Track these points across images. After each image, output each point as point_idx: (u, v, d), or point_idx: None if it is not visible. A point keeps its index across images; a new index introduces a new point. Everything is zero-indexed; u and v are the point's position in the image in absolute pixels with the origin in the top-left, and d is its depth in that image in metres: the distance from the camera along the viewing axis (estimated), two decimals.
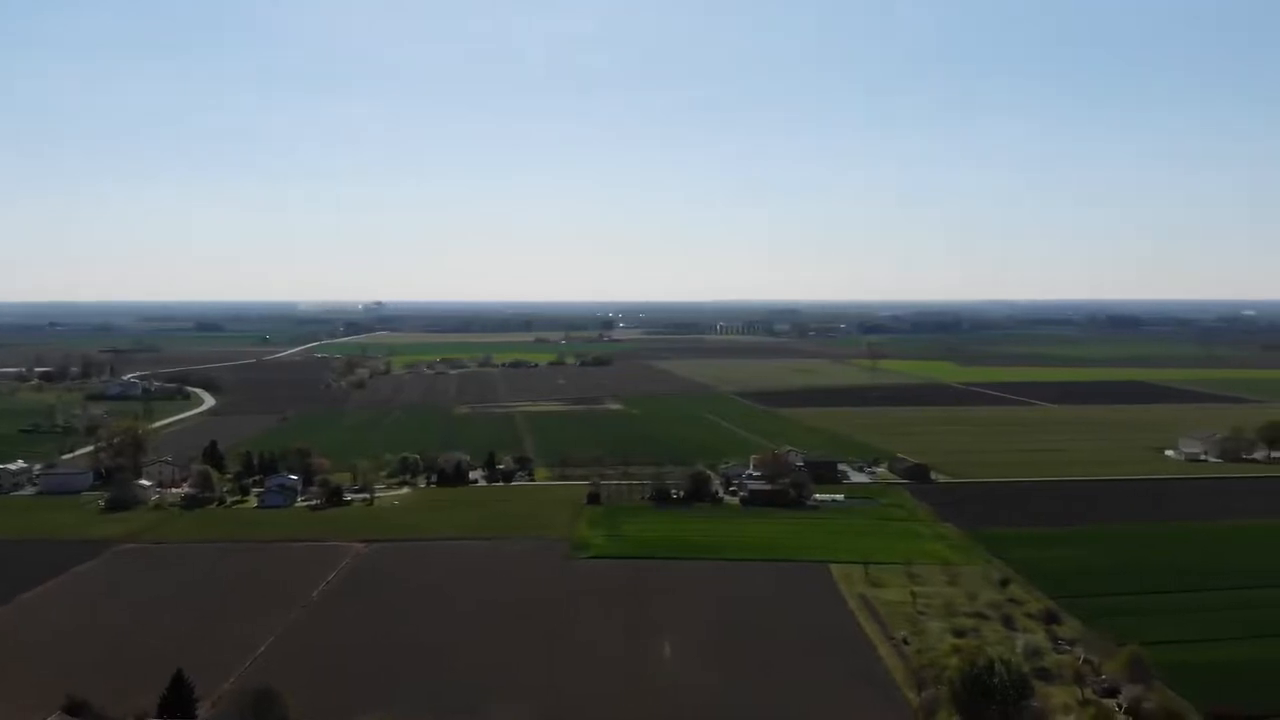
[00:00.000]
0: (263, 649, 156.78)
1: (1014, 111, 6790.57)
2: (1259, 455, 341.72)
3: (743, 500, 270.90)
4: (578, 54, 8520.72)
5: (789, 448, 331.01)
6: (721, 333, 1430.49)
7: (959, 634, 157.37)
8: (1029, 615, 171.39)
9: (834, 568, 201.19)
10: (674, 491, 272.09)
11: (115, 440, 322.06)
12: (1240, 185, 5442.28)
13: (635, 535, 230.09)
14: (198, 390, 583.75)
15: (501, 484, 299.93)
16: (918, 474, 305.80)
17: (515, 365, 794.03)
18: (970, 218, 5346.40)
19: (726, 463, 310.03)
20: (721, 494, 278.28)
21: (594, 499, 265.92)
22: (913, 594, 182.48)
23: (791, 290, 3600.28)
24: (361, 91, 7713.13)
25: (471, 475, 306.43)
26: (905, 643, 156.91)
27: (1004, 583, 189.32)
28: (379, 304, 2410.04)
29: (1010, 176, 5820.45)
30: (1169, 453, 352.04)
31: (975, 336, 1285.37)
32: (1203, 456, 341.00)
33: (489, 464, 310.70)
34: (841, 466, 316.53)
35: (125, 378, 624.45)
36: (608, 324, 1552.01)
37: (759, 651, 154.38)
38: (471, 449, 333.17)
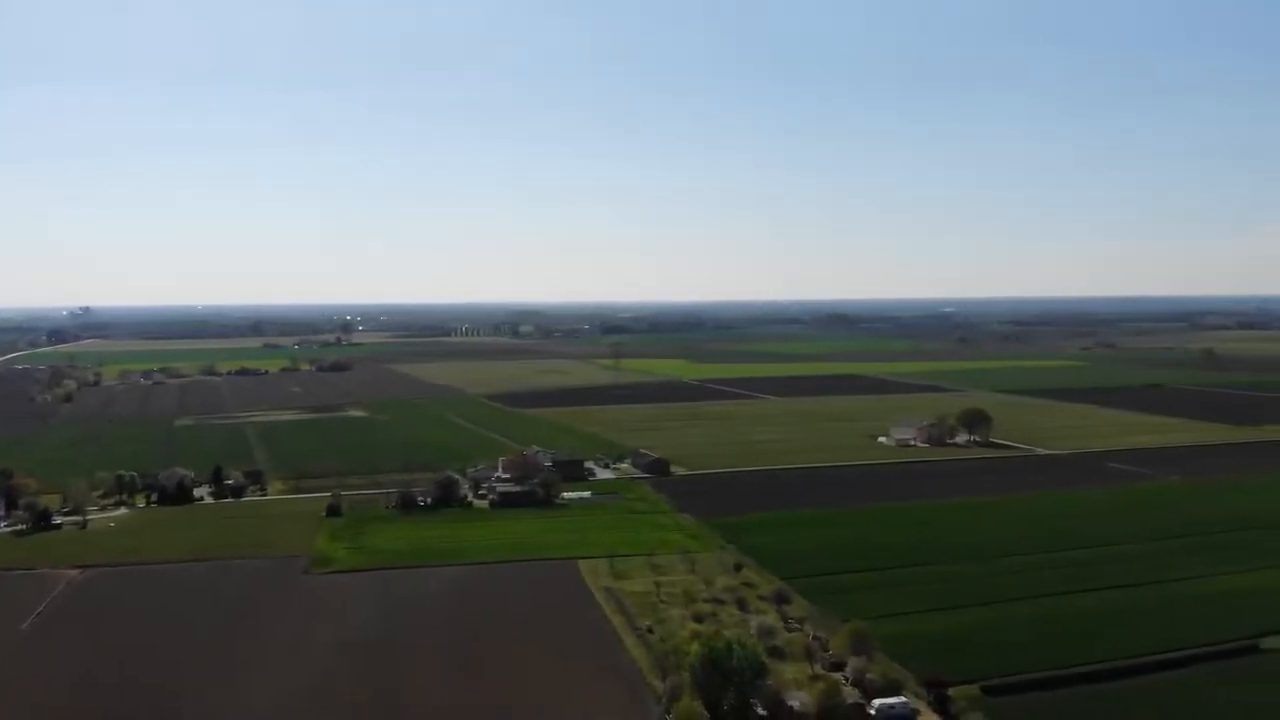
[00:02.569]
0: None
1: (739, 124, 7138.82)
2: (960, 439, 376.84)
3: (492, 503, 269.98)
4: (306, 43, 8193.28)
5: (537, 448, 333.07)
6: (466, 334, 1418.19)
7: (699, 619, 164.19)
8: (762, 597, 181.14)
9: (582, 563, 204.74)
10: (421, 498, 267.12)
11: None
12: (938, 193, 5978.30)
13: (380, 546, 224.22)
14: None
15: (231, 500, 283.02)
16: (658, 468, 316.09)
17: (243, 373, 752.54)
18: (706, 222, 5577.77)
19: (475, 466, 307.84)
20: (471, 498, 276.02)
21: (334, 511, 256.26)
22: (656, 584, 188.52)
23: (535, 291, 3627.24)
24: (48, 77, 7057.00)
25: (196, 492, 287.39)
26: (649, 632, 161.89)
27: (738, 567, 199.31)
28: (86, 309, 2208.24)
29: (745, 185, 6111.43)
30: (882, 439, 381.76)
31: (711, 335, 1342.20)
32: (912, 442, 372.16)
33: (216, 479, 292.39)
34: (589, 464, 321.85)
35: None
36: (346, 327, 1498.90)
37: (508, 651, 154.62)
38: (196, 464, 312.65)
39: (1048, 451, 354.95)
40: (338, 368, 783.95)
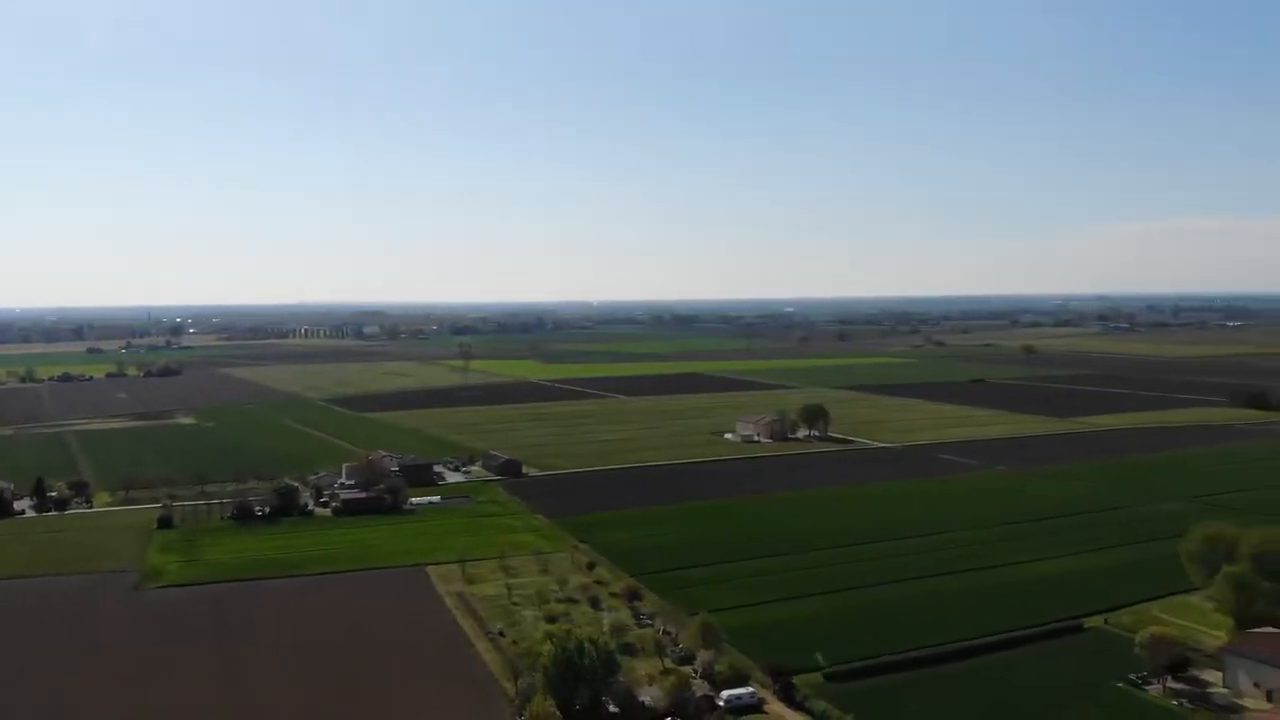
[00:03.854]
0: None
1: (577, 124, 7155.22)
2: (801, 434, 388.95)
3: (336, 511, 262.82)
4: (119, 36, 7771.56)
5: (383, 452, 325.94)
6: (306, 337, 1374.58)
7: (551, 620, 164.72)
8: (614, 594, 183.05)
9: (431, 569, 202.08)
10: (259, 508, 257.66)
11: None
12: (763, 199, 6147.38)
13: (216, 559, 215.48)
14: None
15: (54, 514, 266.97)
16: (510, 469, 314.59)
17: (64, 379, 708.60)
18: (547, 222, 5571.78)
19: (316, 473, 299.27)
20: (312, 506, 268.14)
21: (166, 523, 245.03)
22: (508, 586, 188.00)
23: (380, 293, 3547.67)
24: None
25: (17, 505, 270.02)
26: (501, 635, 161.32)
27: (591, 566, 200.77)
28: None
29: (584, 186, 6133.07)
30: (727, 436, 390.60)
31: (557, 336, 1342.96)
32: (756, 438, 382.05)
33: (38, 491, 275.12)
34: (437, 468, 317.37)
35: None
36: (176, 330, 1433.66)
37: (356, 664, 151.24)
38: (16, 476, 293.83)
39: (883, 444, 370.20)
40: (167, 373, 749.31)
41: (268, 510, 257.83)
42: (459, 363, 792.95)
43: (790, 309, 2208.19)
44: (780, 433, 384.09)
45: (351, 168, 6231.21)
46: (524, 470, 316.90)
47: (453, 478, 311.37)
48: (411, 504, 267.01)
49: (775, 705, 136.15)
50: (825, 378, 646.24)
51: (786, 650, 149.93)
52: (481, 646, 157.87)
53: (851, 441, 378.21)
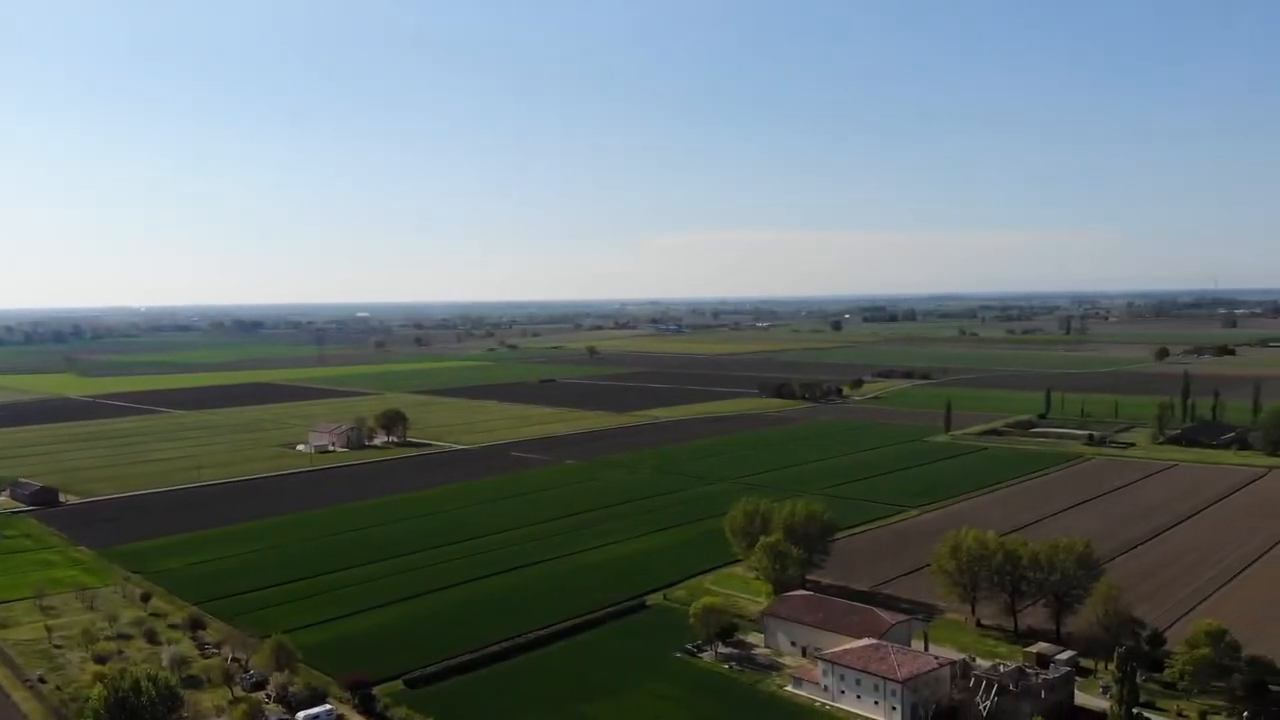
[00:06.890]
0: None
1: (122, 115, 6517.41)
2: (379, 441, 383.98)
3: None
4: None
5: None
6: None
7: (101, 660, 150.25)
8: (174, 626, 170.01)
9: None
10: None
11: None
12: (336, 199, 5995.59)
13: None
14: None
15: None
16: (45, 498, 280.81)
17: None
18: (82, 219, 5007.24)
19: None
20: None
21: None
22: (48, 628, 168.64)
23: None
24: None
25: None
26: (42, 681, 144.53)
27: (146, 598, 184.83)
28: None
29: (131, 181, 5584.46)
30: (300, 447, 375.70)
31: (99, 346, 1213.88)
32: (330, 447, 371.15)
33: None
34: None
35: None
36: None
37: None
38: None
39: (460, 446, 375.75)
40: None
41: None
42: None
43: (364, 313, 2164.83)
44: (357, 440, 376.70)
45: None
46: (62, 498, 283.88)
47: None
48: None
49: (355, 719, 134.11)
50: (402, 383, 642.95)
51: (367, 662, 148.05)
52: (19, 696, 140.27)
53: (430, 445, 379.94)
